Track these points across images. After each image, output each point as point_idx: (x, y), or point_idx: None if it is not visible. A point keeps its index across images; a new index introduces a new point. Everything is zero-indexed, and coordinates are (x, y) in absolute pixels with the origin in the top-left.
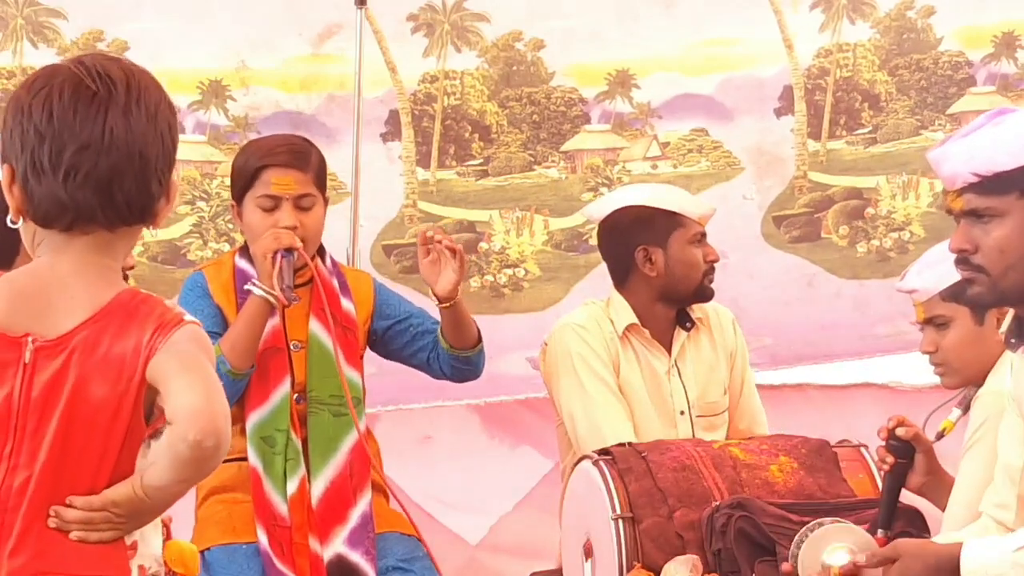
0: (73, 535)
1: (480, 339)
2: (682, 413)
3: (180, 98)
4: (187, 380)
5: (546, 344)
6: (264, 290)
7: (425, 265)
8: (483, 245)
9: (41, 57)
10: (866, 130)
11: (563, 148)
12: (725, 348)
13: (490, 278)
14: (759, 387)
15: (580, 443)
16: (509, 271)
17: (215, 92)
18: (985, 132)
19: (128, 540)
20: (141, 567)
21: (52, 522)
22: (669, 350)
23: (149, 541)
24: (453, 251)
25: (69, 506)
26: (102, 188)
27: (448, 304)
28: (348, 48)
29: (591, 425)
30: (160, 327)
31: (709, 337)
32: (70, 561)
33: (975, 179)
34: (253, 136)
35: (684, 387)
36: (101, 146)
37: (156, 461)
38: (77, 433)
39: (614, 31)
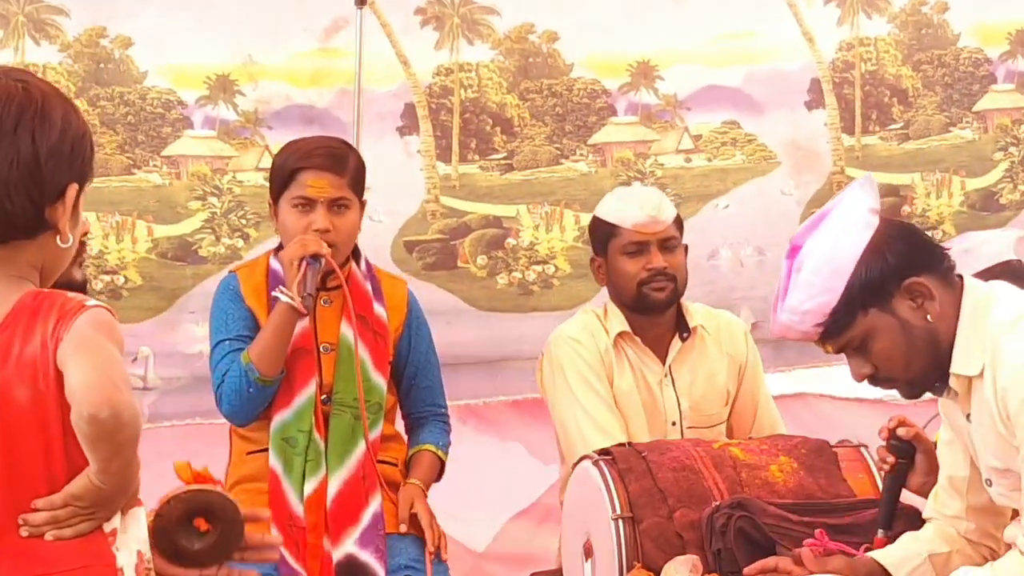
0: (47, 536)
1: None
2: (673, 424)
3: (187, 93)
4: (77, 361)
5: (542, 356)
6: (289, 297)
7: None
8: (510, 241)
9: (43, 54)
10: (898, 125)
11: (591, 141)
12: (734, 360)
13: (518, 275)
14: None
15: (570, 452)
16: (538, 268)
17: (222, 87)
18: (794, 288)
19: (107, 528)
20: (139, 552)
21: (24, 531)
22: (664, 359)
23: (132, 526)
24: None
25: (34, 510)
26: None
27: None
28: (356, 42)
29: (582, 438)
30: (61, 317)
31: (716, 347)
32: (51, 561)
33: (822, 328)
34: (265, 130)
35: (677, 397)
36: None
37: (83, 447)
38: (15, 440)
39: (626, 22)
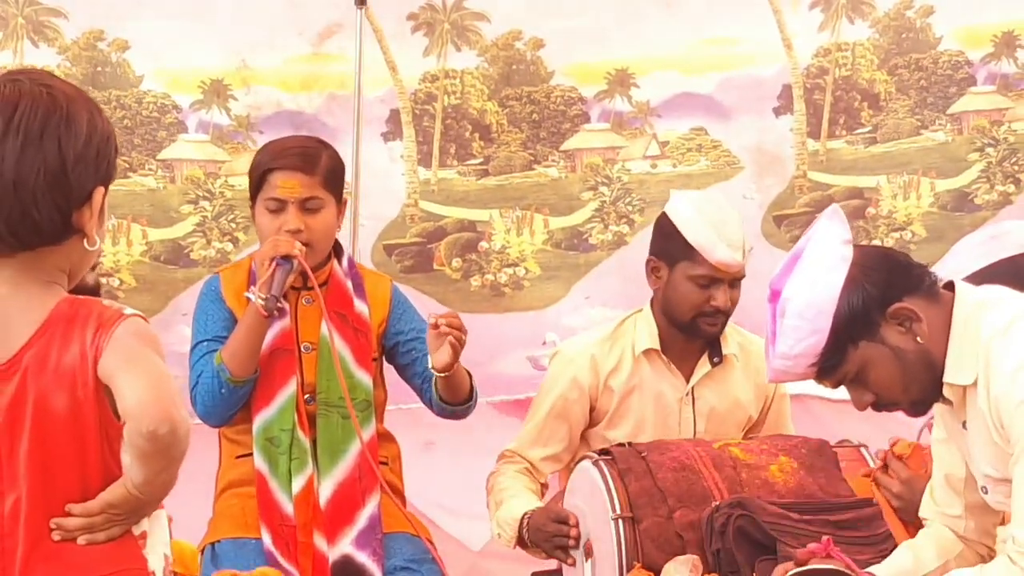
0: (80, 540)
1: (471, 396)
2: None
3: (182, 97)
4: (129, 375)
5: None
6: (260, 298)
7: (431, 336)
8: (483, 244)
9: (41, 57)
10: (866, 129)
11: (563, 147)
12: (761, 389)
13: (490, 277)
14: None
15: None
16: (509, 270)
17: (216, 91)
18: (781, 334)
19: (136, 531)
20: (165, 556)
21: (56, 535)
22: (689, 377)
23: (156, 529)
24: (457, 340)
25: (69, 515)
26: None
27: (443, 375)
28: (348, 47)
29: (514, 447)
30: (100, 327)
31: (743, 372)
32: (86, 565)
33: (817, 368)
34: (256, 135)
35: (695, 418)
36: None
37: (129, 461)
38: (51, 447)
39: (614, 30)
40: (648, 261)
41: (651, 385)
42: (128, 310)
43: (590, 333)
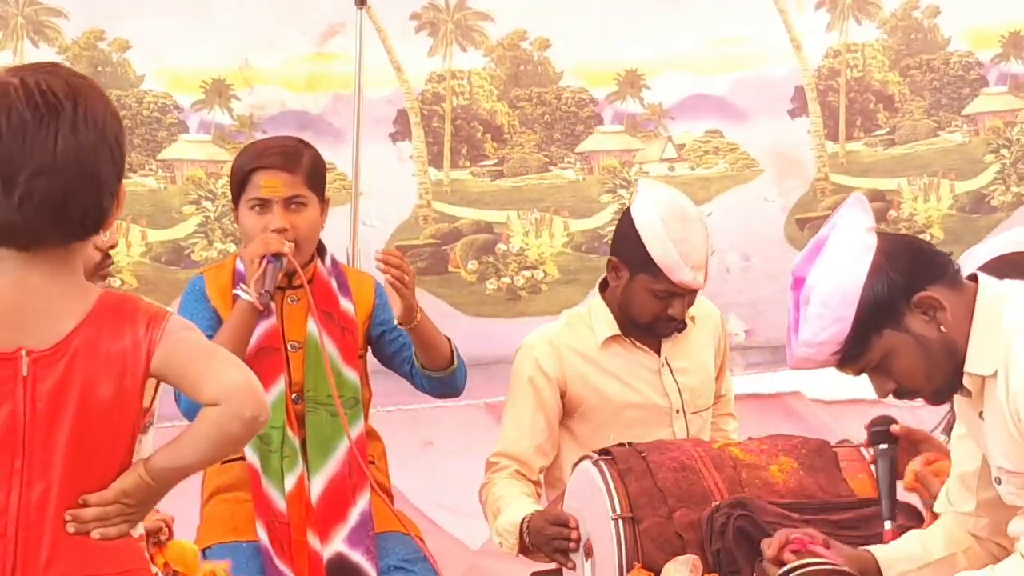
0: (94, 534)
1: (453, 361)
2: (677, 411)
3: (183, 97)
4: (219, 364)
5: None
6: (248, 294)
7: (386, 285)
8: (501, 247)
9: (41, 56)
10: (883, 131)
11: (578, 149)
12: (718, 346)
13: (507, 280)
14: (760, 396)
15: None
16: (527, 273)
17: (219, 91)
18: (805, 321)
19: (135, 533)
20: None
21: (71, 527)
22: (658, 350)
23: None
24: (397, 279)
25: (83, 506)
26: (57, 209)
27: (406, 327)
28: (351, 47)
29: (498, 450)
30: (151, 320)
31: (703, 333)
32: (102, 561)
33: (839, 355)
34: (259, 135)
35: (677, 384)
36: (54, 168)
37: (193, 442)
38: (89, 435)
39: (619, 30)
40: (609, 260)
41: (625, 368)
42: (170, 308)
43: (544, 327)
